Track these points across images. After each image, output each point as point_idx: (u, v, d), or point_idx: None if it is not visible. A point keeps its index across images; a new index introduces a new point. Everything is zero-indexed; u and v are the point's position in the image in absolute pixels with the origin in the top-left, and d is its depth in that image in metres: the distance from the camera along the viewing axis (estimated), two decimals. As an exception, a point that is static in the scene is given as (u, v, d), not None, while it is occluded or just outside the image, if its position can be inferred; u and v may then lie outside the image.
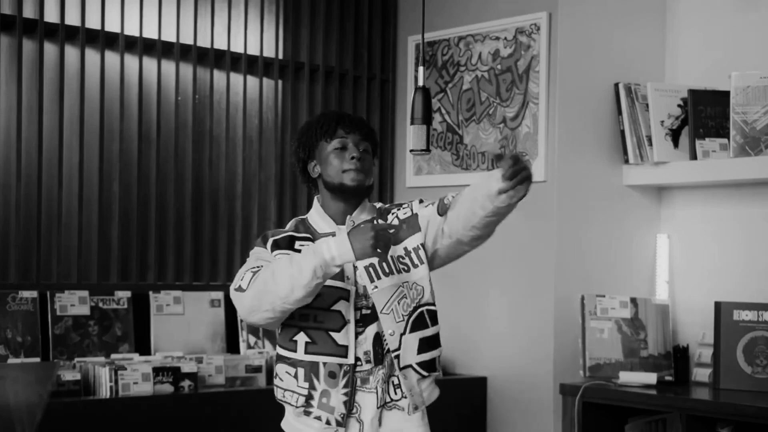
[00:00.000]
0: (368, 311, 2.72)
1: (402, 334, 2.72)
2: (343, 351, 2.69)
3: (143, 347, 4.05)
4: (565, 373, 4.20)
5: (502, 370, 4.37)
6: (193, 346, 4.13)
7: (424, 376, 2.77)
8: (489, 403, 4.42)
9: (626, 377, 4.08)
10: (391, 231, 2.62)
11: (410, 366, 2.74)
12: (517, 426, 4.31)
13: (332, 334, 2.68)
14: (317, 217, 2.81)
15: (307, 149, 2.81)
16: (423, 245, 2.77)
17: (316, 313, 2.68)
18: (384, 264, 2.72)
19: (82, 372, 3.67)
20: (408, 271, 2.75)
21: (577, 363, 4.21)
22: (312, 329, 2.69)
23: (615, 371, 4.14)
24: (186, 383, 3.76)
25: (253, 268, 2.67)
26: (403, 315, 2.72)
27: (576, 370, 4.20)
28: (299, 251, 2.69)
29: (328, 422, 2.69)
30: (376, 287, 2.71)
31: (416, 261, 2.76)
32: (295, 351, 2.70)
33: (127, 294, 4.06)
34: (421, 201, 2.83)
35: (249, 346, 4.22)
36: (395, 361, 2.72)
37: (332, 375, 2.68)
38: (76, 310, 3.93)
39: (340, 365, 2.68)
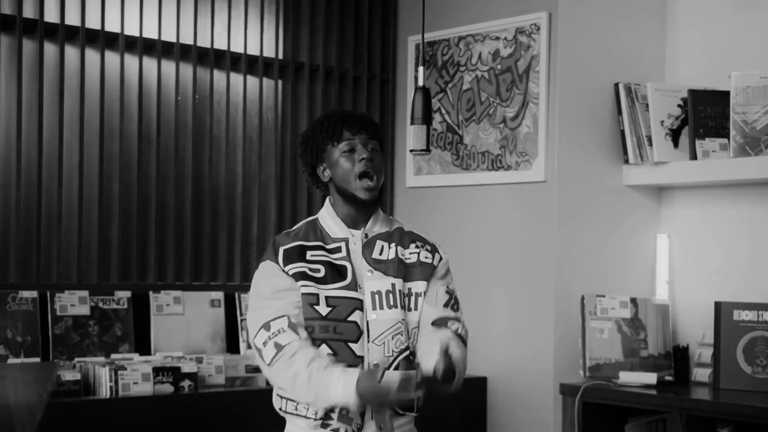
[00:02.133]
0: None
1: (386, 369, 2.68)
2: (360, 361, 2.66)
3: (143, 347, 4.05)
4: (565, 373, 4.20)
5: (502, 370, 4.37)
6: (193, 346, 4.13)
7: (398, 414, 2.73)
8: (489, 403, 4.42)
9: (626, 377, 4.08)
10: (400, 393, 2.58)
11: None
12: (517, 426, 4.31)
13: (351, 345, 2.66)
14: (329, 219, 2.77)
15: (314, 153, 2.77)
16: (423, 295, 2.76)
17: (335, 325, 2.66)
18: (390, 295, 2.70)
19: (82, 372, 3.66)
20: (409, 310, 2.74)
21: (577, 363, 4.21)
22: (333, 341, 2.66)
23: (615, 371, 4.14)
24: (186, 383, 3.76)
25: (275, 333, 2.63)
26: (393, 351, 2.70)
27: (576, 370, 4.20)
28: (311, 262, 2.67)
29: None
30: (375, 317, 2.68)
31: (417, 305, 2.74)
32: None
33: (127, 294, 4.05)
34: (441, 255, 2.80)
35: (249, 347, 4.22)
36: None
37: None
38: (76, 310, 3.93)
39: None
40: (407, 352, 2.72)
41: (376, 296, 2.69)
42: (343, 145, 2.72)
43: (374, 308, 2.69)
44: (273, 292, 2.68)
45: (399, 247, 2.76)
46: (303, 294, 2.66)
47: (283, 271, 2.68)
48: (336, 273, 2.69)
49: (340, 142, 2.72)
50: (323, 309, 2.66)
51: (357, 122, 2.75)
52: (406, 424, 2.75)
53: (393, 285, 2.71)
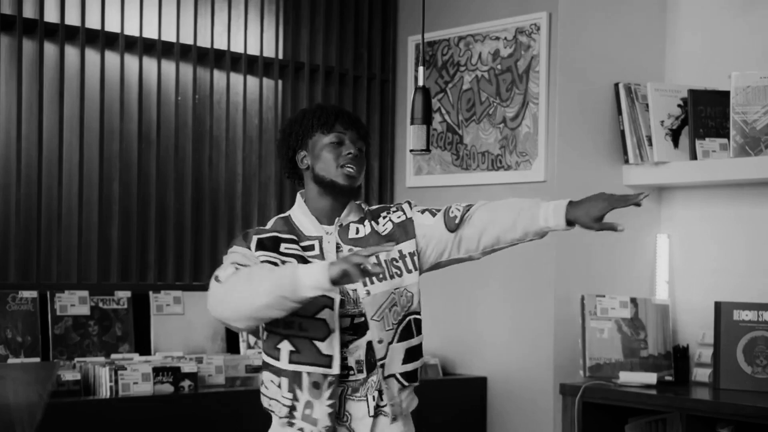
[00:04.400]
0: (362, 319, 2.65)
1: (390, 343, 2.67)
2: (327, 361, 2.60)
3: (143, 347, 4.05)
4: (565, 373, 4.20)
5: (502, 370, 4.37)
6: (193, 346, 4.13)
7: (404, 386, 2.71)
8: (489, 403, 4.42)
9: (626, 377, 4.08)
10: (371, 257, 2.47)
11: (393, 375, 2.69)
12: (517, 426, 4.31)
13: (316, 343, 2.60)
14: (301, 215, 2.73)
15: (299, 138, 2.72)
16: (417, 252, 2.74)
17: (301, 321, 2.60)
18: (377, 268, 2.64)
19: (82, 372, 3.67)
20: (400, 275, 2.71)
21: (577, 363, 4.21)
22: (296, 338, 2.60)
23: (615, 371, 4.14)
24: (186, 383, 3.76)
25: (238, 264, 2.55)
26: (393, 323, 2.68)
27: (576, 370, 4.20)
28: (285, 254, 2.63)
29: None
30: (368, 293, 2.66)
31: (410, 266, 2.72)
32: (278, 359, 2.62)
33: (127, 294, 4.06)
34: (410, 205, 2.80)
35: (249, 346, 4.22)
36: (380, 370, 2.67)
37: (316, 386, 2.60)
38: (76, 310, 3.93)
39: (325, 375, 2.60)
40: (407, 320, 2.71)
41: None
42: (332, 136, 2.69)
43: (365, 284, 2.65)
44: (245, 256, 2.60)
45: (372, 223, 2.74)
46: None
47: (252, 251, 2.62)
48: None
49: (330, 132, 2.69)
50: None
51: (350, 119, 2.73)
52: (409, 394, 2.74)
53: (377, 257, 2.68)
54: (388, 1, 4.84)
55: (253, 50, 4.47)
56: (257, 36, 4.48)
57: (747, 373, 4.00)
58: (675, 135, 4.28)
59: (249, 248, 2.63)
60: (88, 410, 3.53)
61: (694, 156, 4.16)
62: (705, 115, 4.19)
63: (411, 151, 3.15)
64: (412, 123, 3.11)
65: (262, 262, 2.60)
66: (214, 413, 3.74)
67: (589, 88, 4.31)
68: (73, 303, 3.93)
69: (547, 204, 2.69)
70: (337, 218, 2.72)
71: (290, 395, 2.62)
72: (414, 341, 2.73)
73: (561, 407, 4.13)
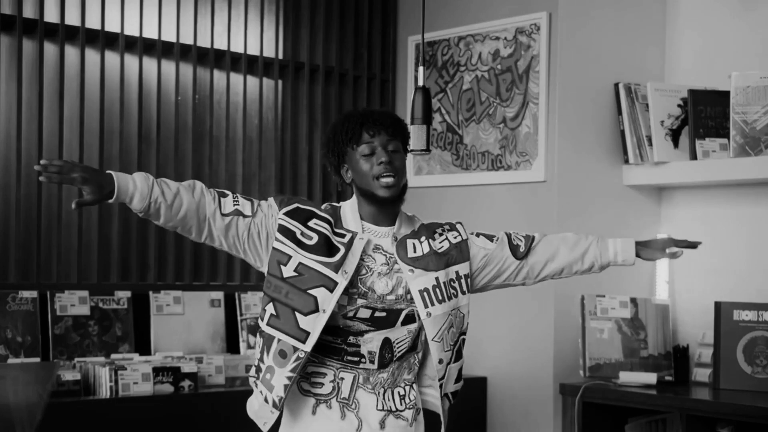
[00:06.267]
0: (383, 314, 2.68)
1: (448, 363, 2.75)
2: (302, 335, 2.62)
3: (143, 347, 4.05)
4: (565, 373, 4.20)
5: (502, 370, 4.37)
6: (193, 346, 4.13)
7: (450, 404, 2.83)
8: (489, 403, 4.42)
9: (626, 377, 4.08)
10: None
11: (446, 395, 2.80)
12: (517, 426, 4.31)
13: (297, 315, 2.62)
14: (348, 210, 2.75)
15: (336, 156, 2.74)
16: (471, 274, 2.80)
17: (289, 290, 2.62)
18: (437, 290, 2.71)
19: (82, 372, 3.67)
20: (456, 296, 2.76)
21: (577, 363, 4.21)
22: (280, 303, 2.63)
23: (615, 371, 4.14)
24: (186, 383, 3.77)
25: (252, 202, 2.67)
26: (450, 344, 2.75)
27: (576, 370, 4.20)
28: (310, 228, 2.66)
29: (266, 400, 2.67)
30: (429, 314, 2.69)
31: (464, 288, 2.78)
32: (262, 320, 2.67)
33: (127, 294, 4.06)
34: (477, 233, 2.85)
35: (249, 346, 4.22)
36: (439, 388, 2.77)
37: (282, 354, 2.62)
38: (76, 310, 3.93)
39: (294, 348, 2.62)
40: (460, 339, 2.78)
41: (425, 294, 2.70)
42: (362, 148, 2.68)
43: (426, 306, 2.69)
44: (270, 206, 2.69)
45: (429, 241, 2.76)
46: (275, 249, 2.64)
47: (278, 210, 2.67)
48: (326, 248, 2.65)
49: (359, 144, 2.69)
50: (287, 271, 2.63)
51: (376, 123, 2.70)
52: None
53: (437, 279, 2.72)
54: (388, 1, 4.84)
55: (253, 50, 4.47)
56: (257, 36, 4.48)
57: (747, 373, 4.00)
58: (675, 135, 4.28)
59: (279, 208, 2.67)
60: (88, 410, 3.53)
61: (694, 156, 4.16)
62: (705, 115, 4.19)
63: (411, 151, 3.15)
64: (412, 123, 3.11)
65: (279, 224, 2.65)
66: (214, 413, 3.74)
67: (589, 88, 4.32)
68: (73, 303, 3.93)
69: (613, 240, 2.91)
70: (386, 225, 2.74)
71: (260, 356, 2.68)
72: (461, 363, 2.82)
73: (561, 407, 4.13)
